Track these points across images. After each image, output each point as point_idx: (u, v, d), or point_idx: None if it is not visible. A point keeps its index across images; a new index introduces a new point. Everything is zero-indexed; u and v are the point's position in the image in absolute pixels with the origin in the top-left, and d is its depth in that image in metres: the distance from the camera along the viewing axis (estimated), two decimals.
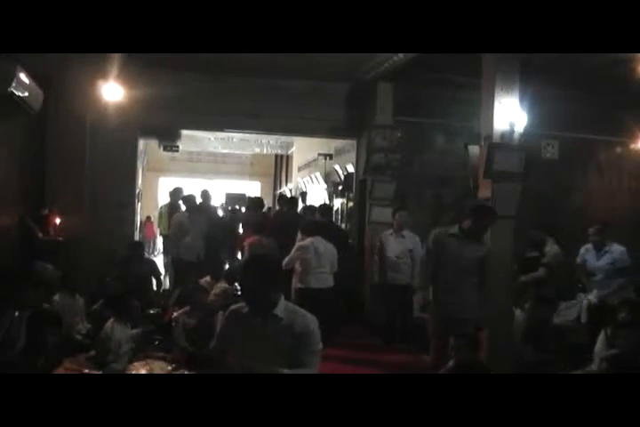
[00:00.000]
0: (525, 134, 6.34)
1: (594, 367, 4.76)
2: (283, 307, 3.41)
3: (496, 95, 6.19)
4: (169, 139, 10.63)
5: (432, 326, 5.67)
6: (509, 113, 6.20)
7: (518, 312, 6.36)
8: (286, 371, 3.11)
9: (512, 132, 6.18)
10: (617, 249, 7.11)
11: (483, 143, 6.38)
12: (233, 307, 3.58)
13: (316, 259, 7.17)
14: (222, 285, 7.74)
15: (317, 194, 14.34)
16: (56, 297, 6.46)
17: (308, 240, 7.28)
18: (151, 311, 7.44)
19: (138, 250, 8.70)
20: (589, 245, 7.24)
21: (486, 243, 5.60)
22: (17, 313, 5.15)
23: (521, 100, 6.27)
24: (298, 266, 7.20)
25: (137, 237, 9.76)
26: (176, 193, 10.94)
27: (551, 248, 7.56)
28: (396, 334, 7.91)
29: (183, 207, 9.74)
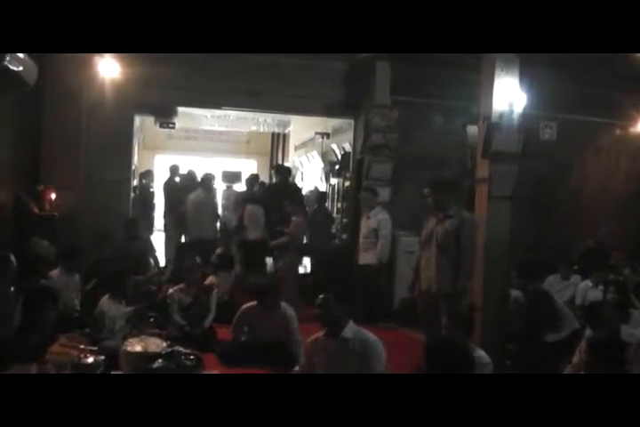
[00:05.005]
0: (524, 115, 6.30)
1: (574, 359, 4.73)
2: (351, 329, 4.27)
3: (496, 75, 6.14)
4: (165, 116, 10.52)
5: (420, 305, 5.79)
6: (509, 93, 6.16)
7: (514, 293, 6.38)
8: None
9: (511, 112, 6.15)
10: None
11: (481, 123, 6.35)
12: (314, 336, 4.54)
13: (249, 221, 9.30)
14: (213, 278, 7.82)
15: (314, 173, 14.29)
16: (53, 273, 6.46)
17: (246, 208, 9.44)
18: (146, 288, 7.46)
19: (134, 228, 8.70)
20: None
21: (462, 215, 5.60)
22: (13, 289, 5.15)
23: (520, 80, 6.23)
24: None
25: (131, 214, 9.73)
26: (174, 170, 10.96)
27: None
28: (374, 312, 7.91)
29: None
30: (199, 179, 10.45)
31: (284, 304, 6.20)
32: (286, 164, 15.21)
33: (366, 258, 7.89)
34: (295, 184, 11.47)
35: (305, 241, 9.39)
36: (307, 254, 9.86)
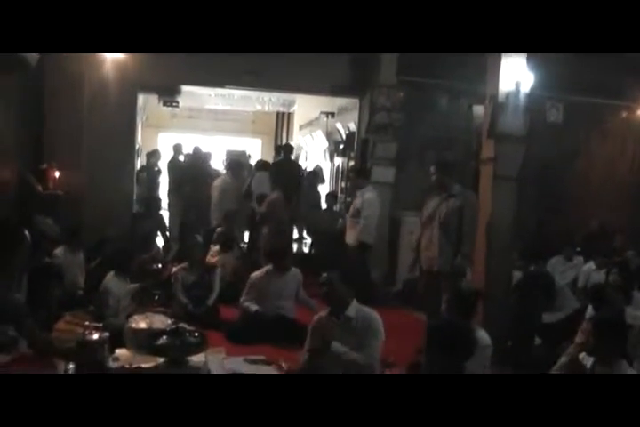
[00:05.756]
0: (530, 96, 6.25)
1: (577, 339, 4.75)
2: (354, 308, 4.28)
3: (502, 55, 6.09)
4: (169, 94, 10.49)
5: (420, 284, 5.90)
6: (515, 74, 6.11)
7: (516, 274, 6.39)
8: (355, 354, 4.09)
9: (517, 92, 6.10)
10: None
11: (487, 103, 6.31)
12: (317, 316, 4.55)
13: (257, 188, 9.63)
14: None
15: (318, 152, 14.26)
16: (57, 251, 6.48)
17: (255, 174, 10.07)
18: (150, 266, 7.47)
19: (152, 207, 8.82)
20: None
21: (465, 195, 5.64)
22: (18, 267, 5.16)
23: (527, 60, 6.17)
24: None
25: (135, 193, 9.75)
26: (178, 149, 10.95)
27: None
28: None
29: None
30: (204, 156, 10.51)
31: (292, 267, 6.45)
32: (291, 143, 15.25)
33: (349, 237, 7.88)
34: (297, 162, 11.54)
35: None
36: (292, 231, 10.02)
